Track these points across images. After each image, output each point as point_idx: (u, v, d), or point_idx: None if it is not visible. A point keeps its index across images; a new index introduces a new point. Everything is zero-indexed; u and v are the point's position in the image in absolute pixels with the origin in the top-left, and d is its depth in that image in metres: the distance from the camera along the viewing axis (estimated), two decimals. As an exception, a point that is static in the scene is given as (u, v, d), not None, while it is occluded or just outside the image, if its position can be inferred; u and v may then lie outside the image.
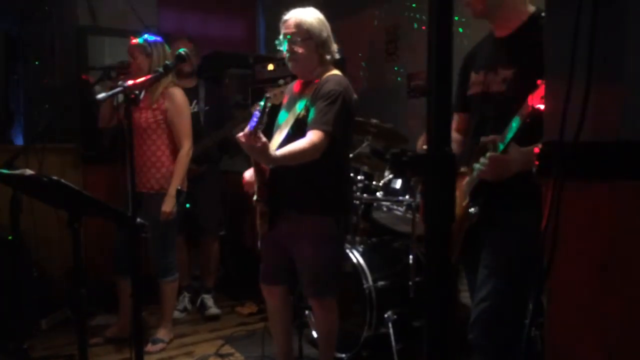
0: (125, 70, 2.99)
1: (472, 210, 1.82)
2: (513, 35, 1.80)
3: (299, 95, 2.34)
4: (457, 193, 1.94)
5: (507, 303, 1.77)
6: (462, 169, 1.93)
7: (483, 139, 1.73)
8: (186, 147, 3.05)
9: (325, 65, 2.32)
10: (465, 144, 2.02)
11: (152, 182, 3.02)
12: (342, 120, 2.21)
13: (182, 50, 2.31)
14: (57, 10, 4.23)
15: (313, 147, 2.13)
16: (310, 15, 2.27)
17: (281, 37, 2.29)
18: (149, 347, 3.08)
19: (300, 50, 2.25)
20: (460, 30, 3.30)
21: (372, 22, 4.44)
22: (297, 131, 2.22)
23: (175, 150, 3.06)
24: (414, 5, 4.05)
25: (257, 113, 2.06)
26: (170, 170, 3.03)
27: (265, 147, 2.03)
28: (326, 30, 2.29)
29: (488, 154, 1.69)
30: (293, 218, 2.29)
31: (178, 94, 3.06)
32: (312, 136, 2.15)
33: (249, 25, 5.45)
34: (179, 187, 3.03)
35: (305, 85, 2.35)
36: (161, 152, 3.03)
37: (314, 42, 2.25)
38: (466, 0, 1.80)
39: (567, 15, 1.01)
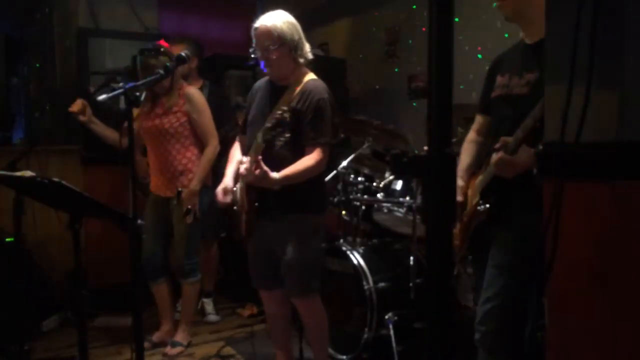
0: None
1: (480, 208, 1.85)
2: (541, 42, 1.80)
3: (274, 99, 2.32)
4: (470, 192, 1.98)
5: (516, 303, 1.77)
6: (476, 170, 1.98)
7: (496, 145, 1.76)
8: (213, 144, 3.02)
9: (300, 68, 2.32)
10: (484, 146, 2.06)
11: (185, 185, 2.98)
12: (333, 125, 2.28)
13: (183, 53, 2.32)
14: (58, 13, 4.24)
15: (319, 164, 2.22)
16: (280, 20, 2.25)
17: (254, 44, 2.29)
18: (168, 350, 3.07)
19: (274, 56, 2.24)
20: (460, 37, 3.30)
21: (372, 23, 4.45)
22: (280, 133, 2.16)
23: (202, 150, 3.05)
24: (414, 7, 4.05)
25: None
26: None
27: (266, 174, 2.07)
28: (297, 32, 2.27)
29: (496, 155, 1.74)
30: (276, 218, 2.30)
31: (195, 93, 3.03)
32: (315, 155, 2.21)
33: (249, 27, 5.42)
34: (206, 184, 3.02)
35: (280, 89, 2.32)
36: (191, 154, 3.00)
37: (286, 47, 2.24)
38: (498, 4, 1.85)
39: (568, 17, 1.02)
